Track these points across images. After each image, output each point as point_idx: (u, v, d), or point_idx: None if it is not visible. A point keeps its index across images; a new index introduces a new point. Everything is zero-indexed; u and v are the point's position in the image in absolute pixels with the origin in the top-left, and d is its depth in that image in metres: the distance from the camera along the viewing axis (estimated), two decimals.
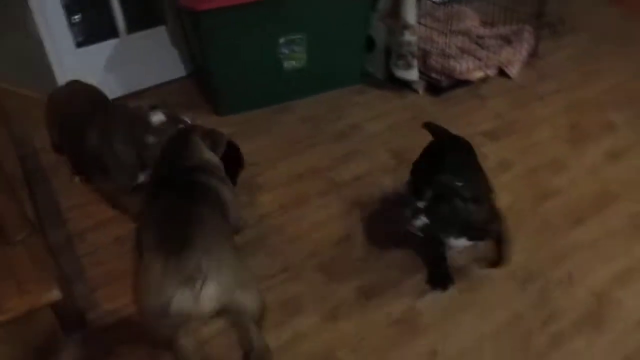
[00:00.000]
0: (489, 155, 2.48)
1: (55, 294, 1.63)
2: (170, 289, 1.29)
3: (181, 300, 1.29)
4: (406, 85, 2.99)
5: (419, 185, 1.76)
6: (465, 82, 2.97)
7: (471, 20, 3.26)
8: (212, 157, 1.83)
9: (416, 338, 1.71)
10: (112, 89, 3.00)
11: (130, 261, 1.99)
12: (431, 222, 1.60)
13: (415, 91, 2.99)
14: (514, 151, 2.51)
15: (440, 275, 1.85)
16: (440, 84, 2.92)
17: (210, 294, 1.31)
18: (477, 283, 1.88)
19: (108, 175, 2.07)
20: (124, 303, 1.84)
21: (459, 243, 1.74)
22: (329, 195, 2.31)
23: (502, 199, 2.19)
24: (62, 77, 2.79)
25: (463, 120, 2.74)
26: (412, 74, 2.91)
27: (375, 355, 1.66)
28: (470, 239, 1.73)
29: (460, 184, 1.63)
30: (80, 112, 2.13)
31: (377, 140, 2.64)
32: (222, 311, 1.41)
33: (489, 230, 1.75)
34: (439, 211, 1.60)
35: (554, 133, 2.63)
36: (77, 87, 2.33)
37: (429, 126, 2.13)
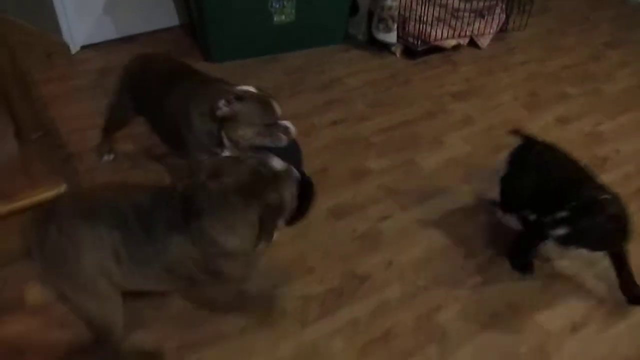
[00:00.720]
0: (455, 111, 2.76)
1: (63, 188, 1.85)
2: None
3: None
4: (385, 47, 3.24)
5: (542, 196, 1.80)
6: (439, 49, 3.23)
7: None
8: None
9: (376, 251, 1.98)
10: (107, 31, 3.19)
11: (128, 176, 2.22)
12: (571, 233, 1.61)
13: (393, 53, 3.24)
14: (477, 111, 2.79)
15: (524, 262, 1.91)
16: (416, 48, 3.17)
17: None
18: (432, 212, 2.15)
19: (185, 149, 1.87)
20: None
21: (571, 249, 1.72)
22: (309, 137, 2.56)
23: (462, 148, 2.50)
24: (63, 15, 2.97)
25: (435, 82, 3.01)
26: (392, 37, 3.16)
27: (340, 263, 1.93)
28: (591, 250, 1.72)
29: (607, 196, 1.65)
30: (162, 81, 1.93)
31: (356, 92, 2.89)
32: None
33: (619, 247, 1.74)
34: (581, 224, 1.60)
35: (514, 98, 2.92)
36: (159, 57, 2.12)
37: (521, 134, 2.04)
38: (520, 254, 1.92)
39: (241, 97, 1.67)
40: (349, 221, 2.10)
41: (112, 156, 2.34)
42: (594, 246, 1.70)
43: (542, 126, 2.70)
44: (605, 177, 2.33)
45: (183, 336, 1.66)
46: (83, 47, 3.18)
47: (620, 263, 1.78)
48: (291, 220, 1.56)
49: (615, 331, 1.76)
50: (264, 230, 1.41)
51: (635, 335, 1.75)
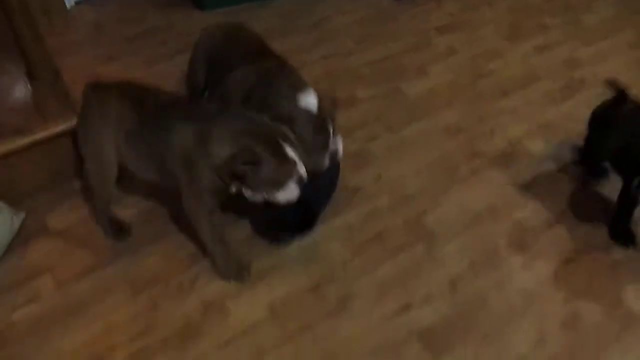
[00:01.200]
0: (438, 44, 2.89)
1: (73, 122, 2.00)
2: None
3: None
4: None
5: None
6: None
7: None
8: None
9: (366, 167, 2.15)
10: None
11: None
12: None
13: None
14: (459, 42, 2.91)
15: (623, 231, 1.85)
16: None
17: None
18: (417, 133, 2.31)
19: None
20: None
21: None
22: (300, 71, 2.68)
23: (446, 77, 2.63)
24: None
25: (420, 18, 3.12)
26: None
27: None
28: None
29: None
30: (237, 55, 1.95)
31: (343, 30, 3.01)
32: None
33: None
34: None
35: (495, 30, 3.04)
36: (236, 29, 2.12)
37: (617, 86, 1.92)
38: (619, 223, 1.85)
39: (292, 116, 1.66)
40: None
41: None
42: None
43: (522, 54, 2.83)
44: (581, 97, 2.49)
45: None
46: (77, 3, 3.27)
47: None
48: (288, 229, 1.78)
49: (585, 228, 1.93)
50: (227, 162, 1.49)
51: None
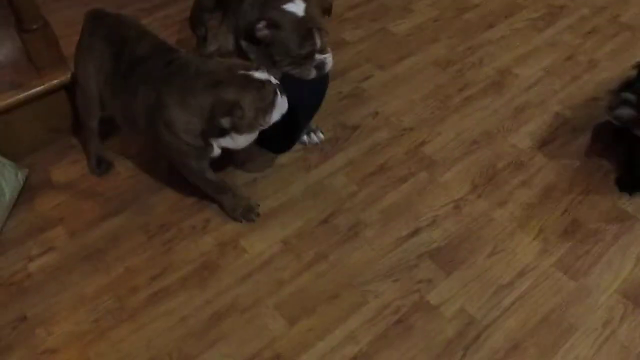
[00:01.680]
0: None
1: (68, 75, 1.98)
2: None
3: None
4: None
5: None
6: None
7: None
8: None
9: (362, 105, 2.18)
10: None
11: None
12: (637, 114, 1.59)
13: None
14: None
15: (631, 179, 1.82)
16: None
17: None
18: (408, 69, 2.34)
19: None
20: None
21: None
22: None
23: (430, 13, 2.66)
24: None
25: None
26: None
27: (332, 118, 2.13)
28: None
29: None
30: None
31: None
32: None
33: None
34: None
35: None
36: None
37: None
38: (626, 168, 1.85)
39: (279, 23, 1.59)
40: (334, 85, 2.27)
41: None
42: None
43: None
44: (563, 22, 2.55)
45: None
46: None
47: None
48: (274, 145, 1.77)
49: (579, 142, 2.01)
50: (210, 125, 1.48)
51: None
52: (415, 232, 1.75)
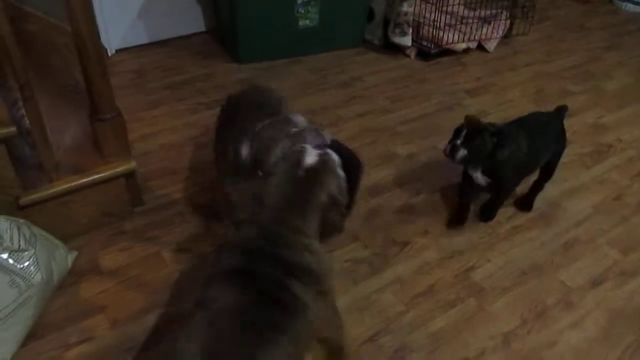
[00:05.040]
0: (469, 105, 3.00)
1: (132, 165, 2.04)
2: None
3: None
4: (400, 50, 3.49)
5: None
6: (450, 51, 3.48)
7: (457, 3, 3.77)
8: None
9: (412, 222, 2.19)
10: (139, 35, 3.40)
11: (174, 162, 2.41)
12: (467, 153, 1.94)
13: (408, 55, 3.49)
14: (489, 105, 3.03)
15: (457, 215, 2.18)
16: (430, 51, 3.42)
17: None
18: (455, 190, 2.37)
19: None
20: (174, 190, 2.28)
21: (480, 179, 2.07)
22: (336, 126, 2.78)
23: None
24: (101, 20, 3.17)
25: (448, 80, 3.25)
26: (407, 40, 3.40)
27: (381, 232, 2.13)
28: (487, 175, 2.05)
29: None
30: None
31: (376, 89, 3.12)
32: None
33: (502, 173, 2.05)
34: (472, 145, 1.94)
35: (522, 94, 3.17)
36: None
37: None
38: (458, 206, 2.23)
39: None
40: (387, 198, 2.31)
41: None
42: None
43: None
44: (611, 162, 2.59)
45: None
46: (118, 50, 3.38)
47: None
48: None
49: (629, 287, 1.98)
50: (331, 225, 1.36)
51: None
52: None
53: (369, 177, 2.41)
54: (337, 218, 1.37)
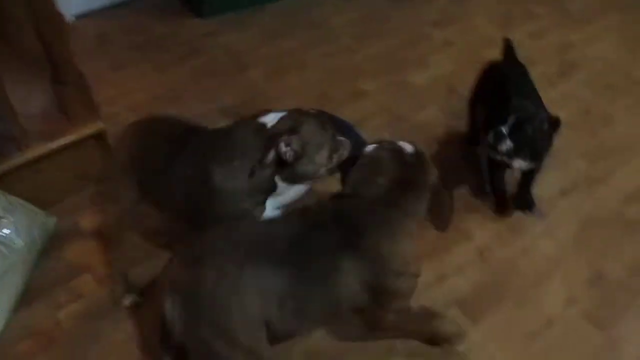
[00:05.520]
0: (434, 37, 3.00)
1: (99, 125, 2.04)
2: None
3: None
4: None
5: (495, 112, 1.77)
6: None
7: None
8: None
9: None
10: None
11: None
12: (515, 145, 1.68)
13: None
14: (455, 35, 3.03)
15: (502, 204, 1.95)
16: None
17: None
18: (425, 118, 2.39)
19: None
20: None
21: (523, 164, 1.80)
22: (305, 69, 2.78)
23: (446, 67, 2.74)
24: None
25: (413, 15, 3.22)
26: None
27: None
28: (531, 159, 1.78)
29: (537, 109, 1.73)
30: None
31: (341, 30, 3.10)
32: None
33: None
34: (522, 135, 1.66)
35: (488, 20, 3.16)
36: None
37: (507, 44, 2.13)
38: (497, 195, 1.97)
39: (294, 128, 1.38)
40: None
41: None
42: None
43: (516, 41, 2.94)
44: (578, 78, 2.62)
45: None
46: (78, 17, 3.30)
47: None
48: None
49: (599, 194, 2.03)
50: (439, 211, 1.35)
51: None
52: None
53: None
54: (445, 199, 1.37)
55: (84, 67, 1.98)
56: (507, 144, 1.65)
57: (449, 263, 1.80)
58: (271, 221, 1.37)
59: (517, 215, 1.96)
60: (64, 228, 1.97)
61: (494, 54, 2.27)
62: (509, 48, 2.13)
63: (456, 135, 2.32)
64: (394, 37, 3.01)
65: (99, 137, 2.08)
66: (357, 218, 1.27)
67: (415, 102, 2.51)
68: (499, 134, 1.65)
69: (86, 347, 1.61)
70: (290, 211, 1.36)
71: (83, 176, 2.10)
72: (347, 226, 1.26)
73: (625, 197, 2.02)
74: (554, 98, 2.48)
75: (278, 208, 1.48)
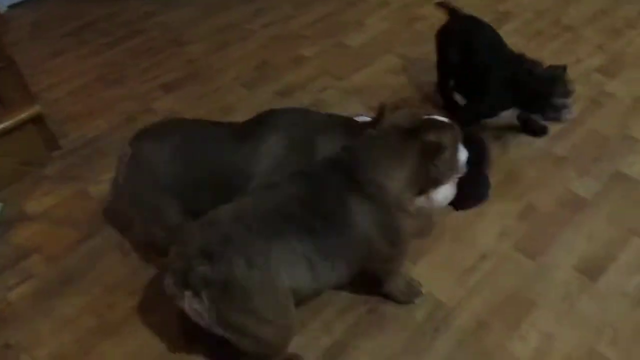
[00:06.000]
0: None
1: (36, 108, 2.05)
2: None
3: None
4: None
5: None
6: None
7: None
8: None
9: None
10: None
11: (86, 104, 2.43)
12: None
13: None
14: None
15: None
16: None
17: None
18: (364, 78, 2.44)
19: None
20: (89, 129, 2.31)
21: None
22: (246, 40, 2.80)
23: (382, 25, 2.79)
24: None
25: None
26: None
27: None
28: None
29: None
30: None
31: None
32: None
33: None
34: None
35: None
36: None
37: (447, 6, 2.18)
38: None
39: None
40: (296, 98, 2.38)
41: None
42: None
43: None
44: (511, 26, 2.69)
45: None
46: (10, 6, 3.25)
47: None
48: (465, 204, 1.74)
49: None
50: (424, 175, 1.36)
51: None
52: None
53: (279, 82, 2.46)
54: (432, 171, 1.38)
55: (22, 57, 1.98)
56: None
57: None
58: (271, 186, 1.37)
59: None
60: (10, 214, 1.98)
61: (428, 12, 2.32)
62: (451, 10, 2.16)
63: (397, 93, 2.36)
64: (332, 1, 3.04)
65: (37, 120, 2.08)
66: (352, 161, 1.33)
67: (354, 64, 2.55)
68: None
69: (38, 323, 1.64)
70: (288, 174, 1.39)
71: (27, 162, 2.11)
72: (345, 169, 1.32)
73: (552, 136, 2.11)
74: None
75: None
